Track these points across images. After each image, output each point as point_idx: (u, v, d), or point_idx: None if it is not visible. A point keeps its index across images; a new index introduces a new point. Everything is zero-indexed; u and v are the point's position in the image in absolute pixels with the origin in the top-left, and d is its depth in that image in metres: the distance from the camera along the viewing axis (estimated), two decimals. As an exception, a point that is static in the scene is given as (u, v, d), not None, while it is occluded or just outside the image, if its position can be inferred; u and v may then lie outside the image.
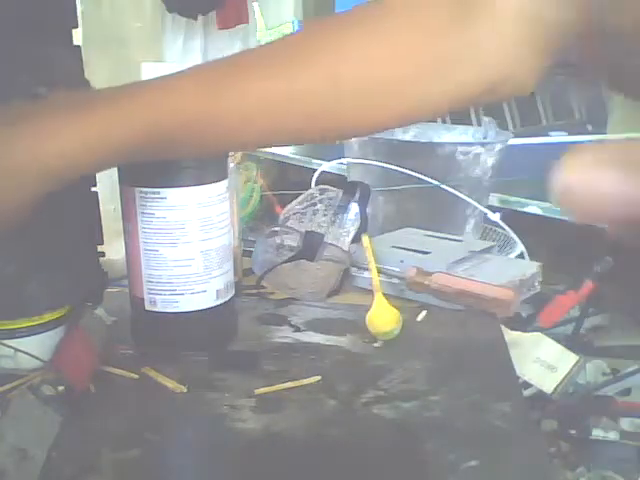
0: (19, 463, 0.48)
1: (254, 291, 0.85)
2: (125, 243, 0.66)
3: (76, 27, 0.64)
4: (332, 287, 0.85)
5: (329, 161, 1.28)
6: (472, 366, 0.66)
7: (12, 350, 0.61)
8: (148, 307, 0.66)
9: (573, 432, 1.20)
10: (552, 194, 0.23)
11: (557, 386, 0.84)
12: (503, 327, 0.75)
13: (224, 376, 0.64)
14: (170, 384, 0.62)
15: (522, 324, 1.05)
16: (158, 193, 0.63)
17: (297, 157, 1.94)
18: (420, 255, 0.87)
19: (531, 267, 0.88)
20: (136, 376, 0.63)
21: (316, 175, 1.15)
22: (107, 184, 0.72)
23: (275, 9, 4.30)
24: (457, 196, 1.05)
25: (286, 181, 1.63)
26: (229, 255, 0.68)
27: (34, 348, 0.62)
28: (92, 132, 0.42)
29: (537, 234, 1.14)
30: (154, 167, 0.63)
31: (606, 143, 0.22)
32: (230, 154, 0.76)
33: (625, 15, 0.39)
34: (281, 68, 0.46)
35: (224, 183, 0.66)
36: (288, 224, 0.89)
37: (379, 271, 0.81)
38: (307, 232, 0.85)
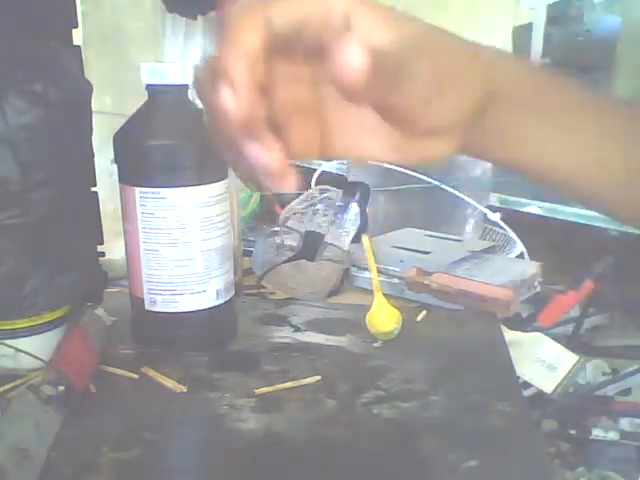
0: (19, 463, 0.48)
1: (254, 291, 0.85)
2: (125, 243, 0.66)
3: (76, 27, 0.64)
4: (332, 287, 0.85)
5: (329, 161, 1.27)
6: (472, 366, 0.66)
7: (12, 350, 0.61)
8: (148, 307, 0.66)
9: (573, 432, 1.20)
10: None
11: (557, 386, 0.84)
12: (503, 327, 0.75)
13: (224, 376, 0.64)
14: (170, 384, 0.62)
15: (522, 324, 1.05)
16: (158, 193, 0.63)
17: (297, 157, 1.94)
18: (420, 255, 0.87)
19: (531, 267, 0.88)
20: (136, 376, 0.63)
21: (316, 175, 1.15)
22: (107, 184, 0.72)
23: (275, 9, 4.31)
24: (457, 196, 1.05)
25: (286, 181, 1.62)
26: (229, 255, 0.68)
27: (34, 348, 0.62)
28: None
29: (537, 234, 1.14)
30: (154, 167, 0.63)
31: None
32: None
33: None
34: None
35: (224, 183, 0.66)
36: (288, 224, 0.89)
37: (379, 271, 0.81)
38: (307, 232, 0.85)
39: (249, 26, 0.29)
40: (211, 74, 0.30)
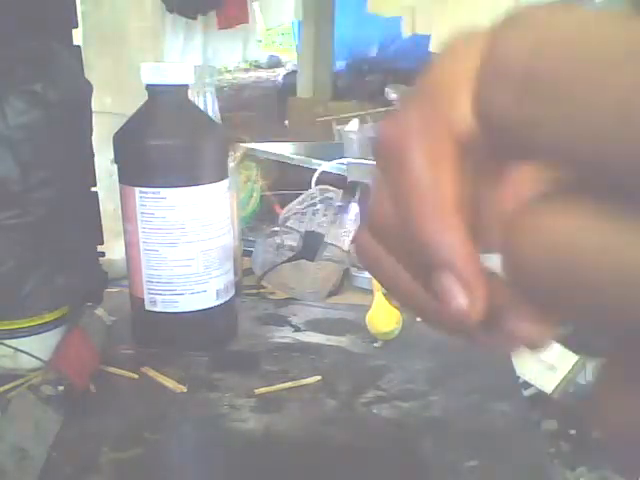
0: (19, 463, 0.48)
1: (254, 291, 0.85)
2: (125, 243, 0.66)
3: (76, 27, 0.64)
4: (332, 287, 0.85)
5: (329, 161, 1.28)
6: (472, 366, 0.66)
7: (12, 350, 0.61)
8: (148, 307, 0.66)
9: (573, 432, 1.20)
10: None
11: (557, 386, 0.84)
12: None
13: (224, 376, 0.64)
14: (170, 384, 0.62)
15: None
16: (158, 193, 0.63)
17: (297, 157, 1.94)
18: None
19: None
20: (136, 376, 0.63)
21: (316, 175, 1.15)
22: (107, 184, 0.72)
23: (275, 9, 4.30)
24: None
25: (286, 181, 1.63)
26: (229, 255, 0.68)
27: (34, 348, 0.62)
28: None
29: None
30: (154, 167, 0.63)
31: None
32: (230, 154, 0.76)
33: None
34: None
35: (224, 183, 0.66)
36: (288, 224, 0.89)
37: (379, 271, 0.81)
38: (307, 232, 0.85)
39: (438, 151, 0.17)
40: (381, 236, 0.19)
